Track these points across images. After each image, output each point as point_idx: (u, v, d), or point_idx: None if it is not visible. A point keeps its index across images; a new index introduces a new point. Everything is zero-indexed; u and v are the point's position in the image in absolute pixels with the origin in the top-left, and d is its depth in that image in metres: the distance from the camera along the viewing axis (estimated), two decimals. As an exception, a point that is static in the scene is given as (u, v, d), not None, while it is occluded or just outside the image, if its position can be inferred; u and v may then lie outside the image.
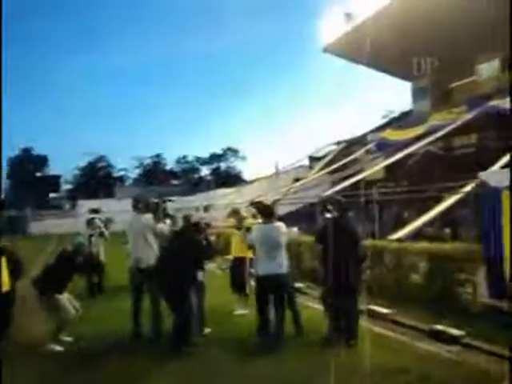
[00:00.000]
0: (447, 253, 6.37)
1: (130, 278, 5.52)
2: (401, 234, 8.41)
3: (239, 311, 6.31)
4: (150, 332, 5.24)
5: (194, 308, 4.93)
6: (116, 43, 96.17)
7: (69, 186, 66.43)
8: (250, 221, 6.61)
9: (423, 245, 6.85)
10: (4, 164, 66.60)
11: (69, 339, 5.24)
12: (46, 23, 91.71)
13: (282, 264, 4.90)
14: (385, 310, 5.93)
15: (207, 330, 5.43)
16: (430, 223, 9.81)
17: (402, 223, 11.98)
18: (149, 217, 5.58)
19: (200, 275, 5.20)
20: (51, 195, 64.64)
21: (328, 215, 4.92)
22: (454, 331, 4.92)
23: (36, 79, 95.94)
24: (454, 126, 13.44)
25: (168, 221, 5.86)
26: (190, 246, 4.92)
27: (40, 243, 6.37)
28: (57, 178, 64.97)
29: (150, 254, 5.33)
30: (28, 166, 65.33)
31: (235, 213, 6.78)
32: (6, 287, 5.13)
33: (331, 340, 4.64)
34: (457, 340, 4.82)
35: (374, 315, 5.86)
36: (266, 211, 5.15)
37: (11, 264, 5.35)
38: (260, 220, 5.26)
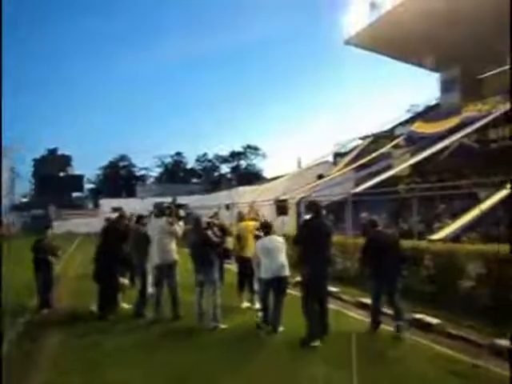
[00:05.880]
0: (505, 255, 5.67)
1: (154, 273, 6.35)
2: (442, 234, 7.79)
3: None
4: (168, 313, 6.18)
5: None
6: (139, 46, 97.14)
7: (91, 186, 67.02)
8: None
9: (476, 246, 6.16)
10: (29, 163, 68.05)
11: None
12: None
13: (284, 267, 5.45)
14: (433, 320, 5.30)
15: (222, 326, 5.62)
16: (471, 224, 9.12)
17: (436, 221, 11.29)
18: (163, 220, 6.40)
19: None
20: (74, 194, 65.45)
21: (306, 217, 5.05)
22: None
23: (58, 80, 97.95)
24: (492, 116, 12.59)
25: (181, 222, 6.55)
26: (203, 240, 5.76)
27: (62, 242, 6.45)
28: (80, 177, 65.62)
29: (167, 252, 6.20)
30: (52, 166, 66.37)
31: (241, 216, 7.49)
32: None
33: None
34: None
35: (420, 326, 5.29)
36: (264, 226, 5.83)
37: None
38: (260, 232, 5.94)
